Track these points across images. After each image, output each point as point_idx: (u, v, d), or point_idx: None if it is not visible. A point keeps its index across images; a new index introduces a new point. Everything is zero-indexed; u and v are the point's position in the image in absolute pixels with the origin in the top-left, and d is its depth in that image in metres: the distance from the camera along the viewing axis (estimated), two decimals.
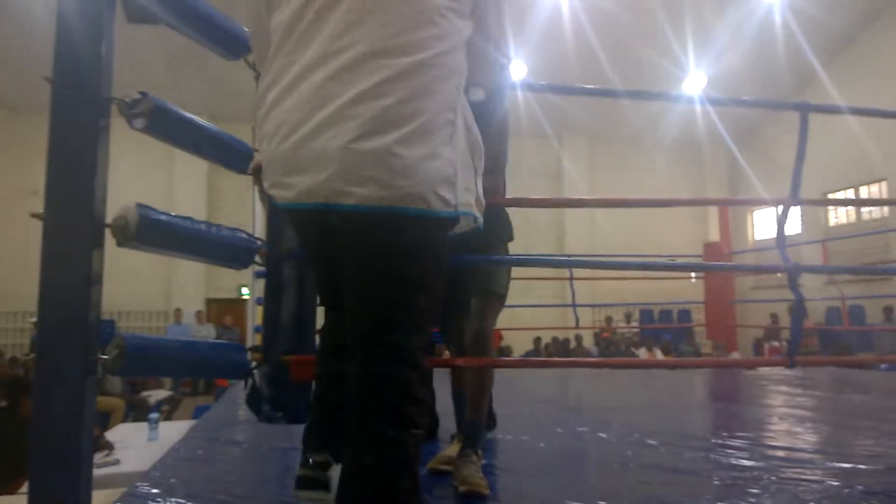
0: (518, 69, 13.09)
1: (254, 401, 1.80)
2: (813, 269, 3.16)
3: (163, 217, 1.68)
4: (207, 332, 13.05)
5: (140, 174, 12.69)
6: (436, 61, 1.35)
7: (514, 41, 11.68)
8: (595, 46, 11.97)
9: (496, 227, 2.22)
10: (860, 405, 3.88)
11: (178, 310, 13.28)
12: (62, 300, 1.47)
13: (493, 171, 2.10)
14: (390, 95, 1.29)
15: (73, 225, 1.49)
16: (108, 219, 1.58)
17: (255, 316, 5.77)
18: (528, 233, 12.74)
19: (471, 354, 2.14)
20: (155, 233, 1.65)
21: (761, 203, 3.46)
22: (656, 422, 3.24)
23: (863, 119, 11.61)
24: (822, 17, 12.36)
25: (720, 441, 2.72)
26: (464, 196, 1.42)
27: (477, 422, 2.10)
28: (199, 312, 13.39)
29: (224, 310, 13.64)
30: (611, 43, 12.20)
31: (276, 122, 1.39)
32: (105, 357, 1.49)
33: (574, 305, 7.64)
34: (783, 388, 4.39)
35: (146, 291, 13.57)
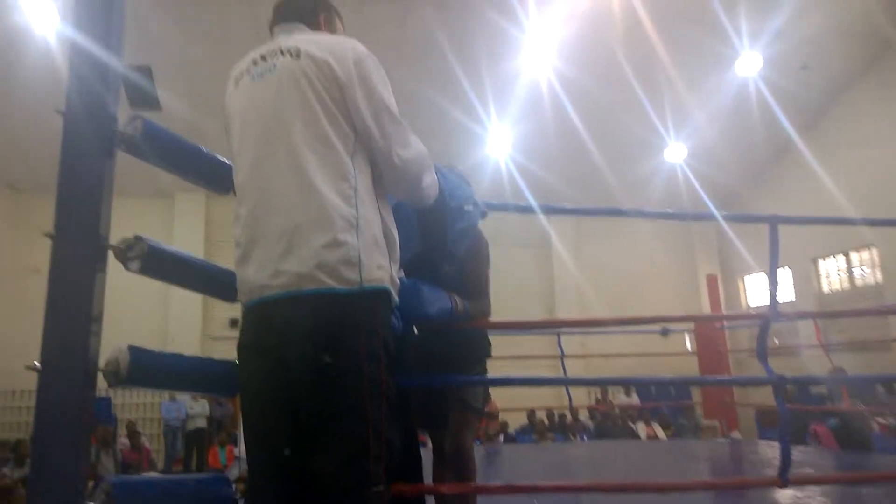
0: (503, 139, 13.43)
1: None
2: (798, 381, 3.18)
3: (155, 357, 1.71)
4: (202, 409, 12.86)
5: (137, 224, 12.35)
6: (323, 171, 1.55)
7: (496, 114, 11.85)
8: (574, 120, 12.31)
9: (475, 345, 2.29)
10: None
11: None
12: (55, 444, 1.52)
13: (477, 294, 2.16)
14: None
15: (68, 374, 1.54)
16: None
17: None
18: (520, 301, 12.79)
19: (450, 468, 2.16)
20: (148, 373, 1.68)
21: (744, 317, 3.49)
22: None
23: (849, 187, 11.81)
24: (795, 89, 12.77)
25: None
26: (374, 273, 1.54)
27: None
28: None
29: None
30: (591, 116, 12.54)
31: None
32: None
33: (566, 382, 7.56)
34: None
35: None
